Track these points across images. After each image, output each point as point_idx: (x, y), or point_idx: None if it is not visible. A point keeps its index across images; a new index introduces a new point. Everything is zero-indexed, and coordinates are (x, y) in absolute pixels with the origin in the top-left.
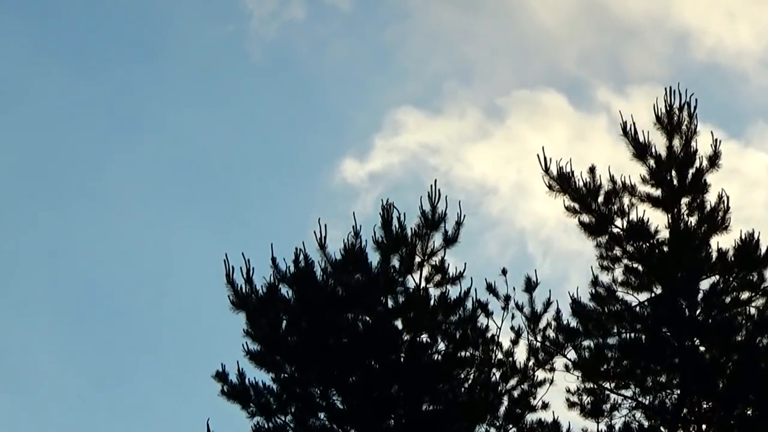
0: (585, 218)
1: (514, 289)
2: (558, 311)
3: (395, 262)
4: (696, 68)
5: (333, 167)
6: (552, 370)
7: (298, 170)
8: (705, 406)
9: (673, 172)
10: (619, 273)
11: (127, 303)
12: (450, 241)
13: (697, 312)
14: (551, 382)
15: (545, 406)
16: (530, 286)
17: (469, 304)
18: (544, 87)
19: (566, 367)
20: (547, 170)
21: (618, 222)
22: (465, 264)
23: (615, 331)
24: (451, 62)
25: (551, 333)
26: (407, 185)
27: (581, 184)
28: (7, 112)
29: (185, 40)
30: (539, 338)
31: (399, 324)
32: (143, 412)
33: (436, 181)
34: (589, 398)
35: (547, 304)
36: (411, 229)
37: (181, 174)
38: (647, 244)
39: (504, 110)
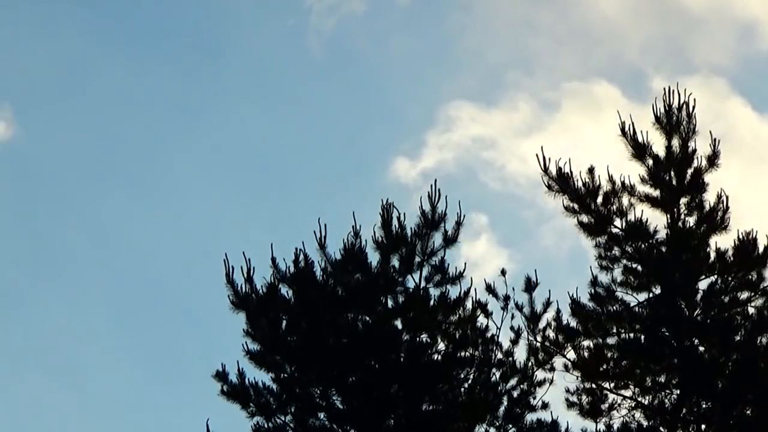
0: (584, 218)
1: (513, 289)
2: (558, 311)
3: (395, 262)
4: (761, 58)
5: (387, 165)
6: (552, 370)
7: (353, 168)
8: (704, 406)
9: (672, 172)
10: (618, 273)
11: (181, 296)
12: (450, 241)
13: (696, 312)
14: (551, 382)
15: (545, 406)
16: (530, 286)
17: (468, 304)
18: (604, 78)
19: (566, 367)
20: (546, 170)
21: (617, 222)
22: (465, 264)
23: (614, 331)
24: (510, 54)
25: (551, 333)
26: (460, 181)
27: (580, 184)
28: (68, 103)
29: (246, 35)
30: (539, 338)
31: (399, 324)
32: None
33: (436, 180)
34: (588, 398)
35: (547, 304)
36: (411, 228)
37: (238, 168)
38: (646, 244)
39: (560, 102)
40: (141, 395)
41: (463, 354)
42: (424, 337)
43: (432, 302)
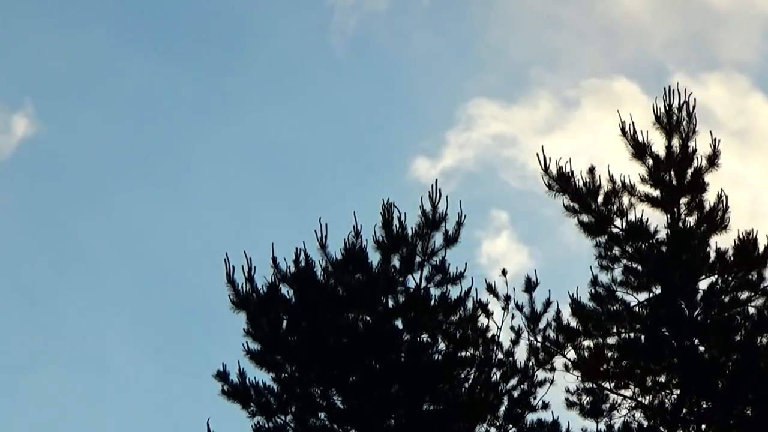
0: (584, 218)
1: (514, 289)
2: (558, 311)
3: (395, 262)
4: None
5: (407, 165)
6: (552, 370)
7: (373, 167)
8: (704, 406)
9: (672, 172)
10: (618, 273)
11: (202, 292)
12: (450, 240)
13: (697, 312)
14: (551, 382)
15: (545, 406)
16: (530, 286)
17: (469, 304)
18: (624, 74)
19: (566, 367)
20: (546, 170)
21: (617, 222)
22: (466, 264)
23: (614, 331)
24: (532, 51)
25: (551, 333)
26: (482, 178)
27: (581, 183)
28: (90, 99)
29: (268, 33)
30: (539, 338)
31: (399, 324)
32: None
33: (437, 180)
34: (588, 398)
35: (547, 304)
36: (411, 228)
37: (258, 165)
38: (646, 244)
39: (583, 99)
40: (162, 391)
41: (463, 354)
42: (424, 337)
43: (432, 302)
